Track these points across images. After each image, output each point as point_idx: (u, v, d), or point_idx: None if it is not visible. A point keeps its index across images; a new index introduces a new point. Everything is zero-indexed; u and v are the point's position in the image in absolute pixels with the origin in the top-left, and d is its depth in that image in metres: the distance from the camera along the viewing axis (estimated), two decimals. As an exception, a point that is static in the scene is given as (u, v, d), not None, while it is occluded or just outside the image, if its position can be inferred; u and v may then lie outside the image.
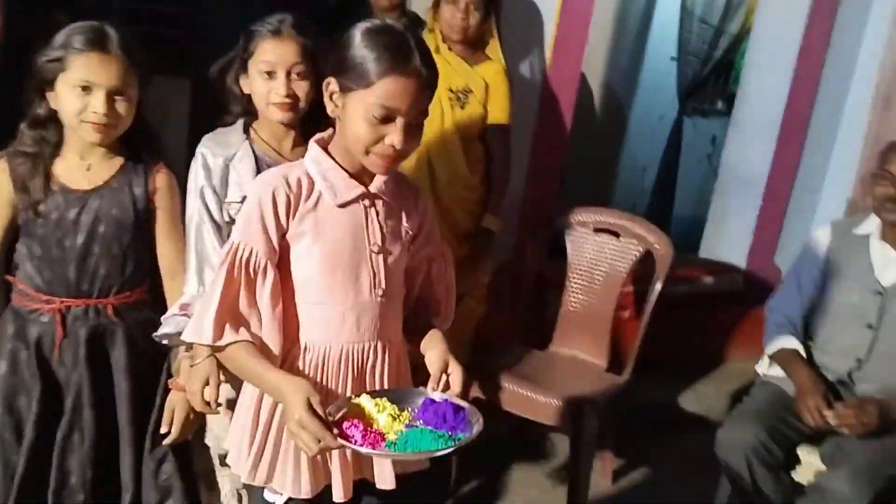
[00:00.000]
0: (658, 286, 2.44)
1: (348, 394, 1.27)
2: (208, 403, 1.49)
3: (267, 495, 1.33)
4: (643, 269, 2.58)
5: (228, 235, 1.33)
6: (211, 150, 1.60)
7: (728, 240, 3.37)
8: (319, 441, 1.12)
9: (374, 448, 1.16)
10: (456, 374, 1.26)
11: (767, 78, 3.26)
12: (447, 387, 1.26)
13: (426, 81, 1.22)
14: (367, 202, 1.28)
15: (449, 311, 1.48)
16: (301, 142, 1.61)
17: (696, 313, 3.15)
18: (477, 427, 1.20)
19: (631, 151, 5.15)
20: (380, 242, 1.29)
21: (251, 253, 1.22)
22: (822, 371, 2.11)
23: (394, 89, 1.18)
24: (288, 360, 1.29)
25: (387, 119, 1.19)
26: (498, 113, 2.43)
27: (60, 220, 1.54)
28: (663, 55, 4.83)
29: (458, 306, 2.54)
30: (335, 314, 1.27)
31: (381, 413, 1.21)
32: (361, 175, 1.28)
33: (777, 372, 2.15)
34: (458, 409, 1.22)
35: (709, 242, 3.54)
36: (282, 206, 1.23)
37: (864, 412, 1.94)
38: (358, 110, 1.19)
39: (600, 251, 2.58)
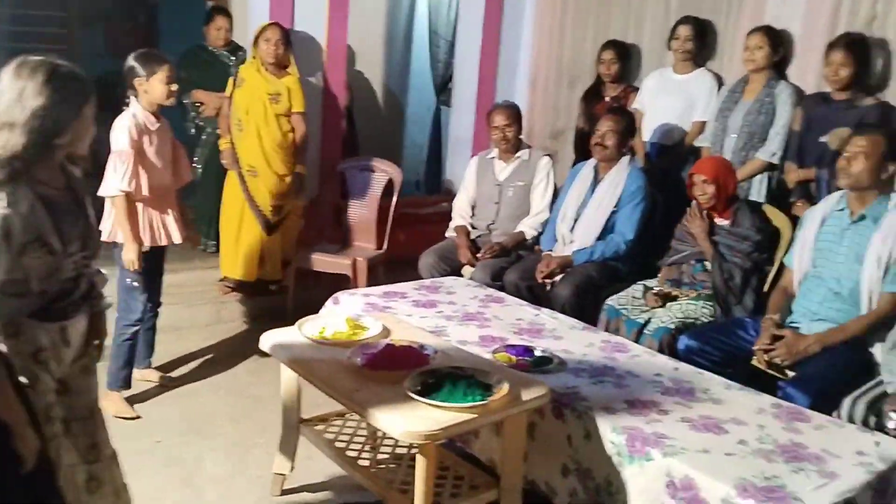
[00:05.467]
0: (395, 195, 4.32)
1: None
2: None
3: None
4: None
5: None
6: None
7: (457, 180, 5.33)
8: None
9: None
10: None
11: (465, 73, 5.27)
12: None
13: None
14: None
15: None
16: None
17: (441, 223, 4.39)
18: None
19: (411, 134, 7.03)
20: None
21: None
22: (475, 229, 4.06)
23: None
24: None
25: None
26: (297, 105, 4.16)
27: None
28: (425, 61, 6.74)
29: (286, 221, 4.32)
30: None
31: None
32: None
33: (452, 234, 4.07)
34: None
35: (447, 181, 5.52)
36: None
37: (491, 249, 3.85)
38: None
39: (364, 182, 4.44)
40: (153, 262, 3.20)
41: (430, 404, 1.95)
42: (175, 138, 3.28)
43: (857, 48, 3.22)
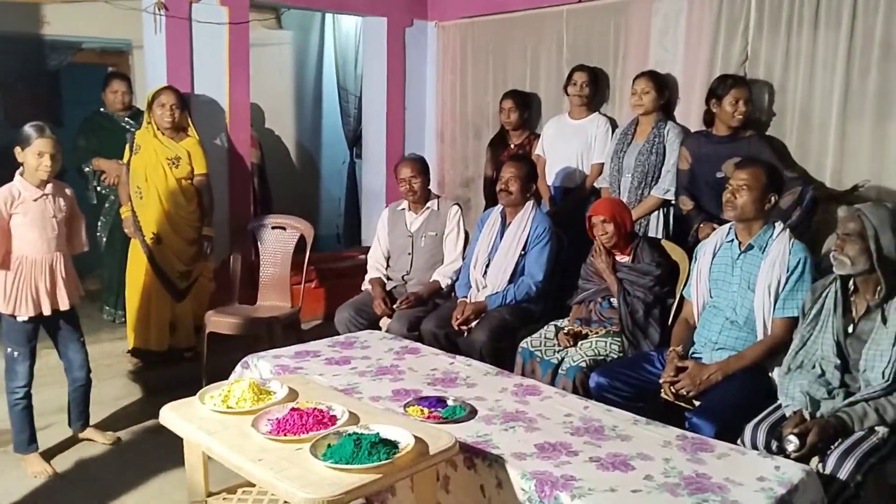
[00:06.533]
0: (308, 251, 4.28)
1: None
2: None
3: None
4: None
5: None
6: None
7: (374, 232, 5.32)
8: None
9: None
10: None
11: (373, 128, 5.33)
12: None
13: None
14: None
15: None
16: None
17: (358, 275, 4.38)
18: None
19: (327, 187, 7.04)
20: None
21: None
22: (391, 280, 4.05)
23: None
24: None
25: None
26: (199, 167, 4.11)
27: None
28: (336, 116, 6.80)
29: (196, 284, 4.22)
30: None
31: None
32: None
33: (368, 286, 4.06)
34: None
35: (364, 234, 5.52)
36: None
37: (407, 300, 3.85)
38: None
39: (276, 239, 4.39)
40: (50, 330, 3.22)
41: (333, 468, 1.90)
42: (76, 207, 3.25)
43: (748, 87, 3.42)
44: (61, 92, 7.13)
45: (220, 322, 4.05)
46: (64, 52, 6.16)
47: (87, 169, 4.49)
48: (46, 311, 3.11)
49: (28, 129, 2.99)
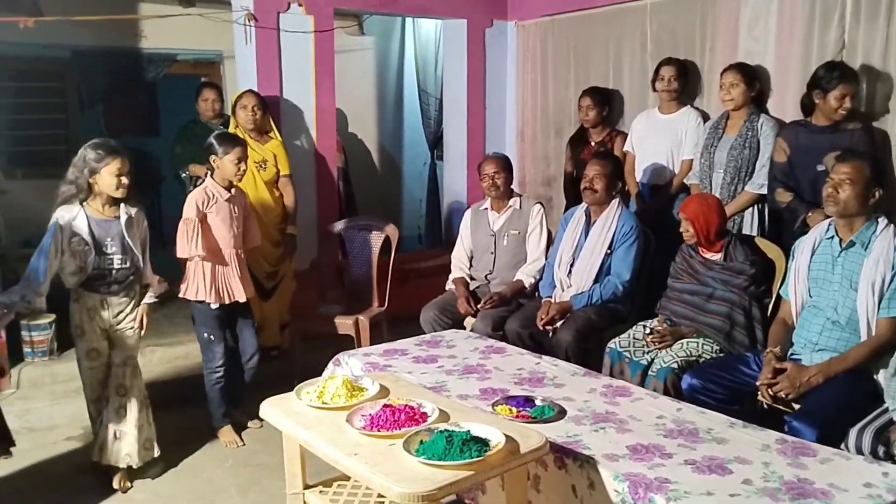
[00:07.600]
0: (393, 252, 4.35)
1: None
2: None
3: None
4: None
5: None
6: None
7: (456, 232, 5.36)
8: None
9: None
10: None
11: (454, 129, 5.37)
12: None
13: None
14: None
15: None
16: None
17: (442, 275, 4.41)
18: None
19: (409, 189, 7.13)
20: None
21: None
22: (474, 280, 4.08)
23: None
24: None
25: None
26: (284, 168, 4.25)
27: None
28: (416, 119, 6.88)
29: (280, 284, 4.35)
30: None
31: None
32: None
33: (452, 286, 4.09)
34: None
35: (446, 234, 5.56)
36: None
37: (491, 300, 3.86)
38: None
39: (362, 241, 4.48)
40: (228, 318, 3.53)
41: (426, 463, 1.93)
42: (249, 206, 3.67)
43: (857, 81, 3.26)
44: (158, 102, 7.52)
45: (319, 322, 4.19)
46: (160, 65, 6.48)
47: (184, 175, 4.70)
48: (226, 301, 3.45)
49: (224, 138, 3.40)
